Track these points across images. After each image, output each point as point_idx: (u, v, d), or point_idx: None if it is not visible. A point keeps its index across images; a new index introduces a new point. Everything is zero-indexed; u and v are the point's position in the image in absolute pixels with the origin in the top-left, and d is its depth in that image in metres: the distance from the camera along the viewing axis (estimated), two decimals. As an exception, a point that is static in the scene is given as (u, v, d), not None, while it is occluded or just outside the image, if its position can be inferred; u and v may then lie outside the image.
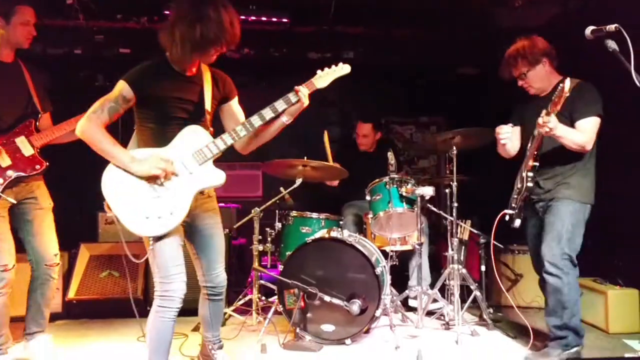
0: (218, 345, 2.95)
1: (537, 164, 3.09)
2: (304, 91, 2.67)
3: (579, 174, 3.13)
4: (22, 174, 3.18)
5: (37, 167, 3.24)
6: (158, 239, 2.51)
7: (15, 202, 3.15)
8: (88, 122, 2.49)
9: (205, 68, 2.71)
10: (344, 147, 5.26)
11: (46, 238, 3.30)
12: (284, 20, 4.95)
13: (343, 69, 2.81)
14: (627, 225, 3.95)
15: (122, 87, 2.51)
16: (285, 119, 2.73)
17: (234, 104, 2.86)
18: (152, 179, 2.50)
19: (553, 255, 3.06)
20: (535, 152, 3.09)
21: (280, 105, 2.65)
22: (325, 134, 4.49)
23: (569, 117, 3.08)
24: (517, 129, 3.37)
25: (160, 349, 2.58)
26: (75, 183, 3.71)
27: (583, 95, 3.07)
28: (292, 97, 2.66)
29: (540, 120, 2.91)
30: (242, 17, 4.91)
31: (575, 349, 3.09)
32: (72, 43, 5.03)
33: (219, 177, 2.63)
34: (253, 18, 4.90)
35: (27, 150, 3.23)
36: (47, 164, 3.28)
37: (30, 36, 3.29)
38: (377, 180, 4.05)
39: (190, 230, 2.73)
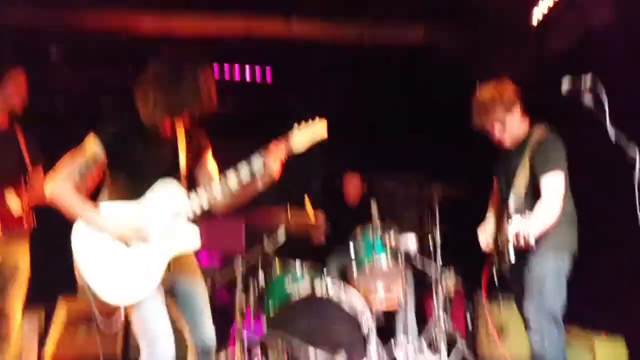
0: None
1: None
2: (269, 160, 2.46)
3: (557, 226, 2.92)
4: (9, 231, 3.13)
5: (25, 225, 3.21)
6: (134, 305, 2.38)
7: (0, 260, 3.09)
8: (57, 182, 2.37)
9: (178, 124, 2.60)
10: (329, 199, 5.27)
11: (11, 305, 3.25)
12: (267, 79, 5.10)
13: (319, 132, 2.57)
14: (611, 272, 3.96)
15: (92, 147, 2.39)
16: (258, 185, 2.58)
17: (207, 160, 2.73)
18: (124, 241, 2.38)
19: (534, 315, 2.90)
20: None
21: (244, 174, 2.47)
22: (306, 200, 4.46)
23: (532, 176, 2.94)
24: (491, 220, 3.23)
25: None
26: (52, 234, 3.63)
27: (546, 149, 2.93)
28: (255, 166, 2.48)
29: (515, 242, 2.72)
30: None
31: None
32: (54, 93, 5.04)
33: (194, 240, 2.47)
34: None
35: (15, 208, 3.17)
36: (35, 225, 3.24)
37: (24, 102, 3.29)
38: (361, 230, 4.05)
39: (172, 292, 2.58)
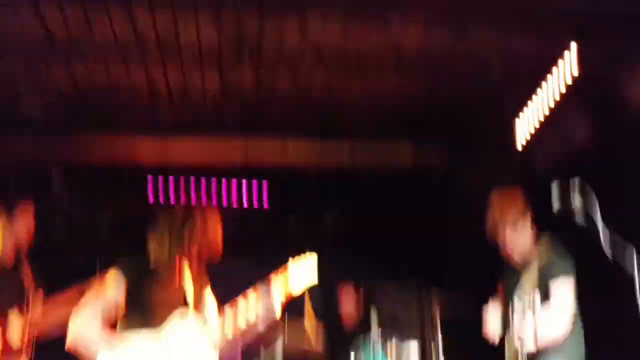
0: None
1: None
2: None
3: (566, 346, 2.84)
4: None
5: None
6: None
7: None
8: (81, 326, 2.41)
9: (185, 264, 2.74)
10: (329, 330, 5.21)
11: None
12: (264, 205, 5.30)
13: (311, 272, 2.70)
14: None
15: (113, 283, 2.49)
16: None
17: (207, 295, 2.80)
18: None
19: None
20: None
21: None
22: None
23: (543, 287, 2.87)
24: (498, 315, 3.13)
25: None
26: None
27: (556, 260, 2.90)
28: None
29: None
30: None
31: None
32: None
33: None
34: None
35: (15, 338, 3.07)
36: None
37: (31, 236, 3.25)
38: (361, 339, 4.03)
39: None
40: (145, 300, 2.56)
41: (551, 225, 2.92)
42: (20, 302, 3.18)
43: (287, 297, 2.64)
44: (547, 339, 2.73)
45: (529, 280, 2.90)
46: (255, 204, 5.34)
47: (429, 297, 4.00)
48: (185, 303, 2.67)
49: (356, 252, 5.68)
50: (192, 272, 2.73)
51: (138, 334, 2.51)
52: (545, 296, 2.84)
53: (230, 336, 2.68)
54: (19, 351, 3.10)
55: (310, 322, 3.92)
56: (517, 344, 2.74)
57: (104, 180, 5.07)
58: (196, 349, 2.56)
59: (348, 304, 4.82)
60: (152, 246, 2.61)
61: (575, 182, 2.16)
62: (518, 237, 2.99)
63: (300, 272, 2.68)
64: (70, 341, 2.39)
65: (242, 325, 2.63)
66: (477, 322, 3.48)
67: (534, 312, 2.75)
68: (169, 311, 2.58)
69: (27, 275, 3.26)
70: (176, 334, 2.55)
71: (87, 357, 2.39)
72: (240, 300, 2.64)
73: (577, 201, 2.15)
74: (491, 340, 3.10)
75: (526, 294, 2.86)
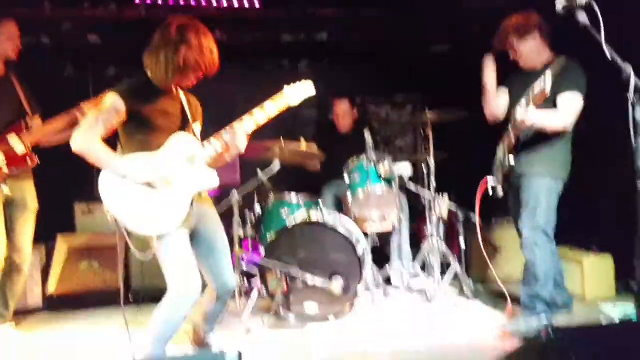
0: (211, 331, 2.99)
1: (511, 155, 3.17)
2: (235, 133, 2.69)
3: (553, 148, 3.19)
4: (15, 169, 3.34)
5: (29, 162, 3.41)
6: (163, 237, 2.53)
7: (10, 194, 3.35)
8: (83, 134, 2.51)
9: (180, 90, 2.81)
10: (321, 128, 5.25)
11: (22, 237, 3.52)
12: (256, 4, 4.94)
13: (308, 89, 2.88)
14: (601, 192, 4.05)
15: (113, 100, 2.56)
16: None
17: (196, 128, 2.89)
18: (149, 183, 2.54)
19: (528, 231, 3.20)
20: (517, 135, 3.14)
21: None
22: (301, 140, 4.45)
23: (552, 95, 3.07)
24: (505, 90, 3.43)
25: (163, 342, 2.59)
26: (49, 173, 3.69)
27: (567, 74, 3.11)
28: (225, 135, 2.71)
29: (517, 117, 3.00)
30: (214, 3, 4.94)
31: (541, 317, 3.19)
32: (38, 33, 4.92)
33: (212, 179, 2.69)
34: (224, 4, 4.89)
35: (18, 147, 3.36)
36: (38, 161, 3.45)
37: (18, 49, 3.46)
38: (355, 160, 4.07)
39: (194, 235, 2.73)
40: (145, 122, 2.63)
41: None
42: (17, 113, 3.46)
43: (285, 110, 2.78)
44: (540, 123, 3.04)
45: (538, 83, 3.01)
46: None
47: (423, 118, 3.93)
48: (184, 124, 2.76)
49: (349, 68, 5.51)
50: (186, 96, 2.82)
51: (138, 156, 2.60)
52: (551, 103, 3.09)
53: (228, 156, 2.82)
54: (24, 157, 3.41)
55: (306, 142, 3.90)
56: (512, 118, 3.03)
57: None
58: (195, 169, 2.67)
59: (340, 120, 4.79)
60: (148, 64, 2.65)
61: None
62: (529, 48, 3.22)
63: (296, 89, 2.84)
64: (75, 151, 2.52)
65: (239, 143, 2.74)
66: (469, 142, 3.50)
67: (535, 105, 2.93)
68: (168, 133, 2.67)
69: (19, 87, 3.49)
70: (175, 154, 2.65)
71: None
72: (238, 119, 2.74)
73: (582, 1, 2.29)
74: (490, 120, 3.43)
75: (532, 91, 2.99)
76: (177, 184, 2.59)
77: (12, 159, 3.35)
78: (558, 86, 3.07)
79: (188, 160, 2.65)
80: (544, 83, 2.75)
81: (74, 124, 3.15)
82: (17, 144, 3.37)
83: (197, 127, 2.89)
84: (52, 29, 4.90)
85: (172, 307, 2.55)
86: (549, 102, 3.07)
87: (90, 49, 5.04)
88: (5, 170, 3.31)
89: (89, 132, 2.51)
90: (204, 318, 2.93)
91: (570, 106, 3.10)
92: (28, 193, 3.52)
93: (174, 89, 2.74)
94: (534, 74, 3.11)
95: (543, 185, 3.18)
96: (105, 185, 2.52)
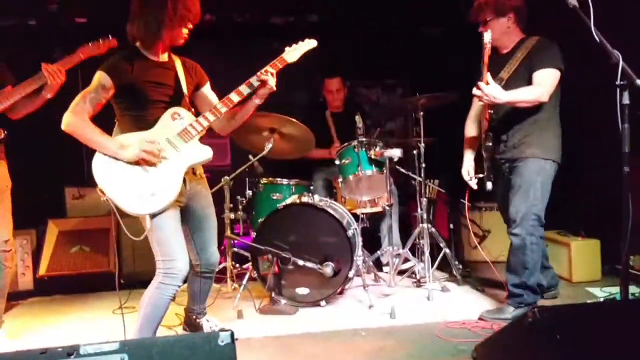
0: (203, 314, 3.05)
1: (490, 133, 3.19)
2: (264, 77, 2.74)
3: (541, 129, 3.14)
4: None
5: None
6: (155, 216, 2.54)
7: None
8: (73, 114, 2.52)
9: (175, 57, 2.80)
10: (312, 110, 5.21)
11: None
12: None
13: (310, 43, 2.91)
14: (589, 177, 4.08)
15: (100, 77, 2.56)
16: (257, 101, 2.82)
17: (207, 90, 2.93)
18: (141, 161, 2.54)
19: (520, 217, 3.11)
20: (488, 118, 3.16)
21: (244, 89, 2.75)
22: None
23: (528, 73, 3.10)
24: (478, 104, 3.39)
25: (153, 324, 2.61)
26: (40, 158, 3.65)
27: (541, 50, 3.11)
28: (254, 81, 2.75)
29: (475, 92, 3.01)
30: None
31: (529, 306, 3.11)
32: (25, 13, 4.86)
33: (206, 152, 2.69)
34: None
35: None
36: (6, 132, 3.08)
37: None
38: (345, 144, 4.06)
39: (185, 211, 2.75)
40: (137, 96, 2.62)
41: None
42: None
43: (284, 65, 2.81)
44: (508, 96, 3.02)
45: (513, 61, 3.14)
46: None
47: (414, 102, 3.92)
48: (180, 95, 2.75)
49: (342, 52, 5.48)
50: (183, 66, 2.80)
51: (130, 136, 2.60)
52: (527, 81, 3.10)
53: (223, 130, 2.89)
54: None
55: (299, 125, 3.88)
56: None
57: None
58: (187, 144, 2.66)
59: (332, 99, 4.77)
60: (135, 32, 2.63)
61: None
62: (499, 28, 3.19)
63: (298, 48, 2.88)
64: (67, 131, 2.52)
65: (236, 117, 2.83)
66: (460, 126, 3.50)
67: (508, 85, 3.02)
68: (164, 107, 2.67)
69: None
70: (167, 131, 2.65)
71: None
72: (233, 91, 2.74)
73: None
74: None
75: (506, 71, 3.12)
76: (168, 159, 2.60)
77: None
78: (533, 63, 3.09)
79: (179, 136, 2.64)
80: (484, 37, 2.94)
81: (42, 88, 3.02)
82: None
83: (207, 89, 2.91)
84: (39, 10, 4.82)
85: (159, 288, 2.56)
86: (525, 81, 3.09)
87: (78, 29, 4.97)
88: None
89: (77, 111, 2.52)
90: (192, 298, 2.99)
91: (545, 81, 3.05)
92: None
93: (166, 57, 2.73)
94: (506, 55, 3.21)
95: (536, 168, 3.12)
96: (98, 166, 2.53)
